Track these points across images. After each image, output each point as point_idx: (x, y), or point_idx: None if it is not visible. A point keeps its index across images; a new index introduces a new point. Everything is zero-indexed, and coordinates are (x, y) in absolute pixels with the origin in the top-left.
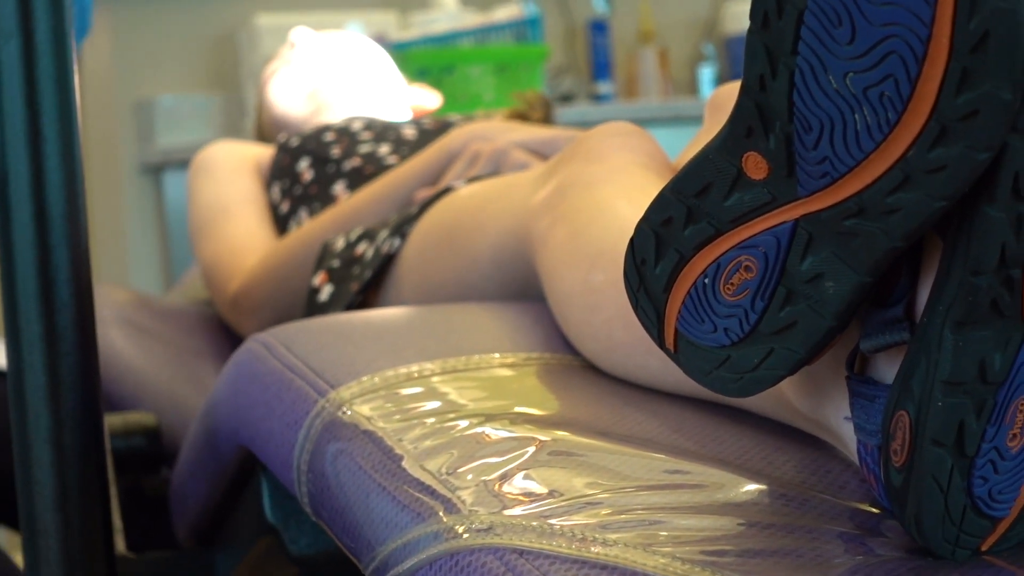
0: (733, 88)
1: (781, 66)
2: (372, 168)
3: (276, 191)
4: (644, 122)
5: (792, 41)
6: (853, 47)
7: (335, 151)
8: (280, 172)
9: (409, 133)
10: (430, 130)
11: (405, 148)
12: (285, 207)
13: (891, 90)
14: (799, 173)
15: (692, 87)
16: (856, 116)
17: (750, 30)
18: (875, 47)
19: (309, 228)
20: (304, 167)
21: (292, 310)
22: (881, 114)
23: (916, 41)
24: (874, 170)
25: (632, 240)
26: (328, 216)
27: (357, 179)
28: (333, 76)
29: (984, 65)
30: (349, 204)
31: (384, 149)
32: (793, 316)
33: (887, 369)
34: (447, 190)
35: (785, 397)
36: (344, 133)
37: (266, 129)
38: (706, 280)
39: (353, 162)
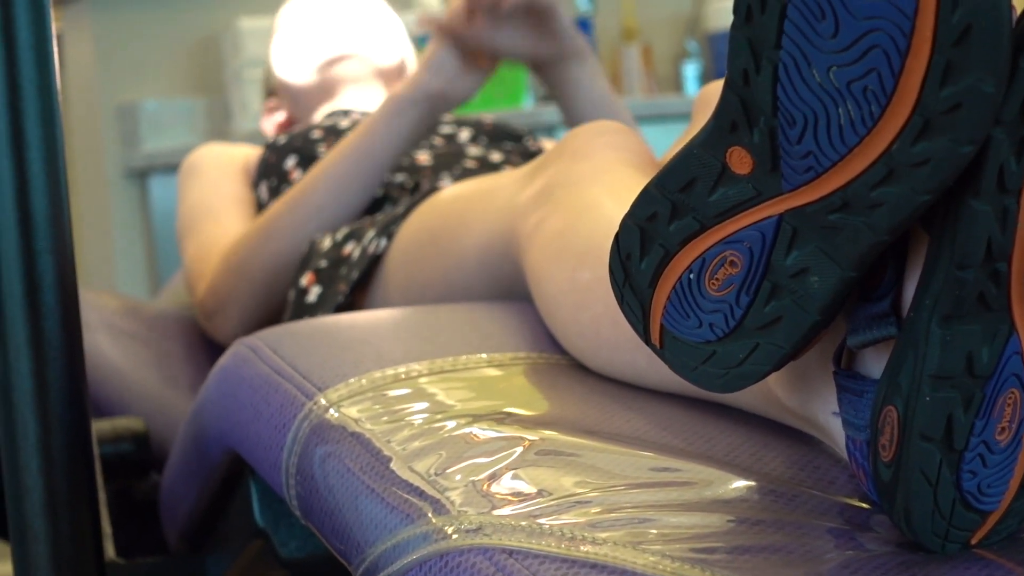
0: (720, 86)
1: (765, 60)
2: None
3: (264, 189)
4: None
5: (775, 35)
6: (836, 41)
7: (322, 149)
8: (267, 170)
9: None
10: None
11: None
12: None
13: (874, 84)
14: (783, 167)
15: (676, 84)
16: (840, 110)
17: (734, 25)
18: (858, 41)
19: (263, 220)
20: (291, 165)
21: (259, 307)
22: (865, 108)
23: (899, 34)
24: (858, 164)
25: (617, 235)
26: (279, 204)
27: None
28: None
29: (967, 58)
30: (297, 190)
31: None
32: (778, 311)
33: (875, 364)
34: (433, 189)
35: (773, 393)
36: (331, 132)
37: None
38: (691, 275)
39: None
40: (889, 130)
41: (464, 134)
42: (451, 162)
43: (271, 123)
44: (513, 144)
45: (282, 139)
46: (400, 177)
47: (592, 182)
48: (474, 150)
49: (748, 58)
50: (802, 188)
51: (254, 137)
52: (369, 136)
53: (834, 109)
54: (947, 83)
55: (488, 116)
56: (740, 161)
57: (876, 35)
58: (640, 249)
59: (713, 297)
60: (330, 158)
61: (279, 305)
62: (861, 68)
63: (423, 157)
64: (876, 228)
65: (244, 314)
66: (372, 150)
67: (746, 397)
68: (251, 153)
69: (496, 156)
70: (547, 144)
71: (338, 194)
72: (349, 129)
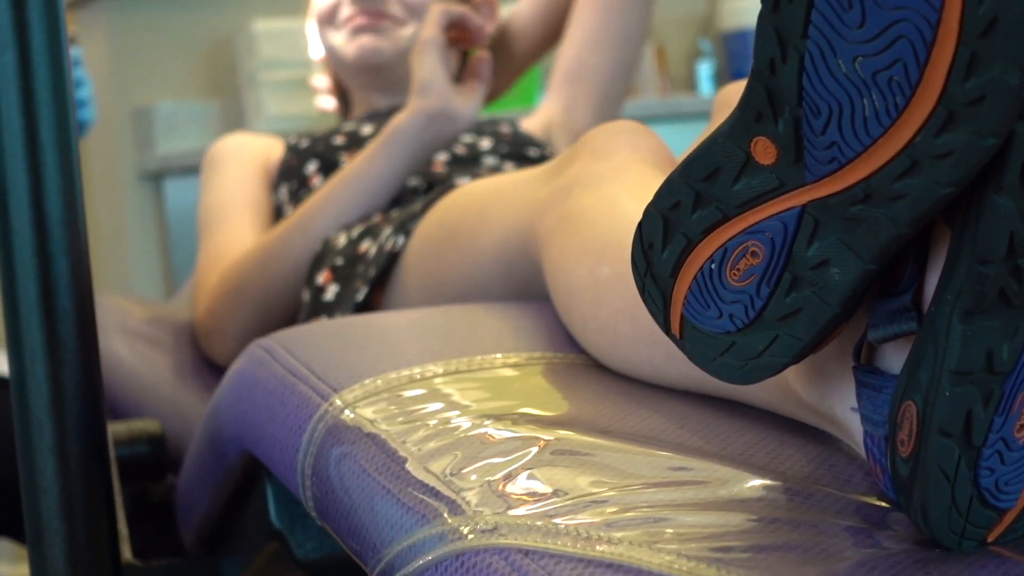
0: (740, 86)
1: (791, 50)
2: None
3: (284, 192)
4: (643, 119)
5: (803, 24)
6: (863, 31)
7: (343, 156)
8: (288, 172)
9: None
10: None
11: None
12: (290, 210)
13: (900, 75)
14: (807, 158)
15: (690, 84)
16: (865, 101)
17: (761, 13)
18: (885, 31)
19: (262, 244)
20: (312, 170)
21: (254, 330)
22: (889, 99)
23: (925, 25)
24: (881, 156)
25: (640, 224)
26: (279, 229)
27: None
28: None
29: (993, 50)
30: (297, 218)
31: None
32: (798, 303)
33: (894, 359)
34: (450, 187)
35: (791, 388)
36: (353, 139)
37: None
38: (712, 265)
39: None
40: (913, 121)
41: (485, 143)
42: (465, 170)
43: (321, 77)
44: (532, 149)
45: (304, 142)
46: (414, 181)
47: (612, 180)
48: (491, 160)
49: (775, 47)
50: (825, 179)
51: None
52: (368, 165)
53: (859, 100)
54: (972, 75)
55: (505, 125)
56: (764, 151)
57: (902, 25)
58: (663, 238)
59: (734, 287)
60: (331, 186)
61: (275, 326)
62: (887, 59)
63: (439, 163)
64: (898, 220)
65: (240, 336)
66: (371, 181)
67: (763, 392)
68: (274, 147)
69: (510, 167)
70: None
71: (338, 222)
72: (371, 136)
